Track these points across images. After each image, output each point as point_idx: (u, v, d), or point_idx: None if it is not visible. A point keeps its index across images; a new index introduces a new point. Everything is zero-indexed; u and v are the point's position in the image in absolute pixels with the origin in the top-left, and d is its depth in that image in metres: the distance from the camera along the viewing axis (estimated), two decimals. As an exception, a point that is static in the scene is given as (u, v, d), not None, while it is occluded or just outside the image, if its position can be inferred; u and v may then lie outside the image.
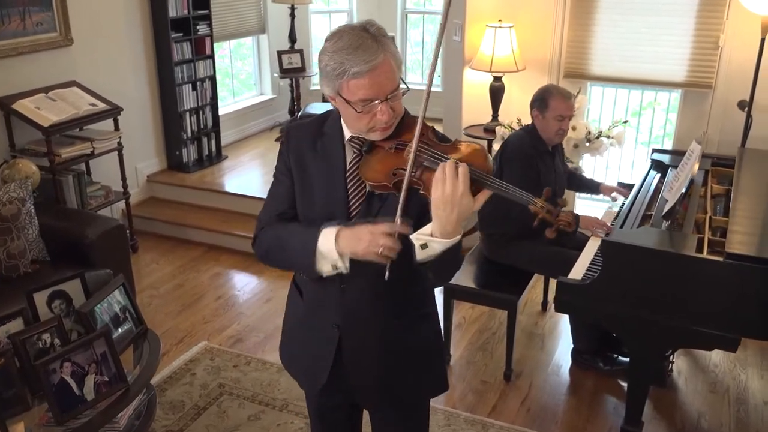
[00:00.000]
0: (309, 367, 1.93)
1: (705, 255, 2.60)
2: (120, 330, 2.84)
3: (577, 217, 1.62)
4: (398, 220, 1.57)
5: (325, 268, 1.67)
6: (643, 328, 2.71)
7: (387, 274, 1.58)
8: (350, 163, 1.71)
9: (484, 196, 1.54)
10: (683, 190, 2.80)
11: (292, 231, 1.74)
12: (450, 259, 1.58)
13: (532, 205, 1.57)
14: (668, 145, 4.84)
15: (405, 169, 1.59)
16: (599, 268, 2.93)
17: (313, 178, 1.75)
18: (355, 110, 1.58)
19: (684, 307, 2.61)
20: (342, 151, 1.72)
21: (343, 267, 1.65)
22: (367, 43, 1.54)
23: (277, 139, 6.52)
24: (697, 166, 2.84)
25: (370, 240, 1.57)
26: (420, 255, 1.58)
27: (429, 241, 1.55)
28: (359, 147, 1.69)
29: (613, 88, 4.86)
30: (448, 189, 1.48)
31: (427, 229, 1.56)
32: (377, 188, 1.65)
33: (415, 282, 1.76)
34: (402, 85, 1.62)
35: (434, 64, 1.64)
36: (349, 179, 1.71)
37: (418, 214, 1.60)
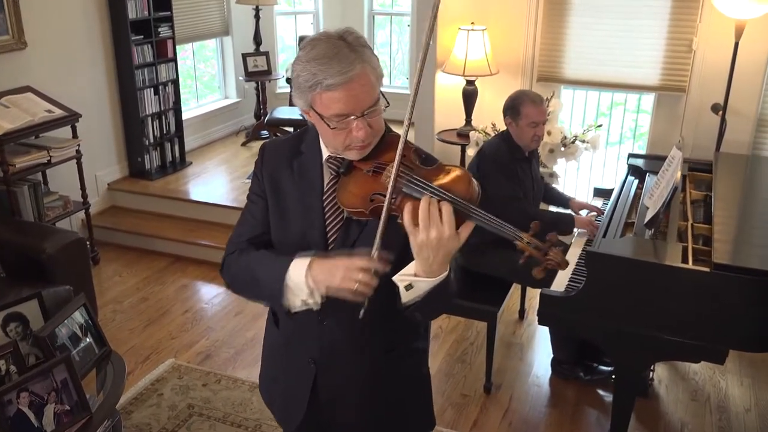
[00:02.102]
0: (284, 403, 1.79)
1: (691, 266, 2.54)
2: (81, 353, 2.68)
3: (564, 249, 1.48)
4: (375, 253, 1.43)
5: (294, 302, 1.53)
6: (629, 341, 2.63)
7: (362, 312, 1.44)
8: (327, 186, 1.58)
9: (467, 229, 1.39)
10: (667, 198, 2.74)
11: (261, 259, 1.59)
12: (439, 297, 1.44)
13: (518, 241, 1.41)
14: (637, 147, 4.86)
15: (383, 195, 1.44)
16: (582, 278, 2.86)
17: (288, 201, 1.61)
18: (329, 126, 1.45)
19: (671, 320, 2.54)
20: (320, 172, 1.58)
21: (314, 303, 1.51)
22: (343, 52, 1.40)
23: (243, 144, 6.35)
24: (679, 174, 2.79)
25: (344, 275, 1.42)
26: (406, 297, 1.44)
27: (414, 281, 1.41)
28: (336, 168, 1.56)
29: (582, 90, 4.81)
30: (433, 234, 1.34)
31: (410, 268, 1.42)
32: (354, 214, 1.51)
33: (403, 316, 1.60)
34: (382, 100, 1.48)
35: (416, 90, 1.49)
36: (326, 203, 1.57)
37: (399, 245, 1.43)
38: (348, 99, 1.40)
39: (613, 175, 5.12)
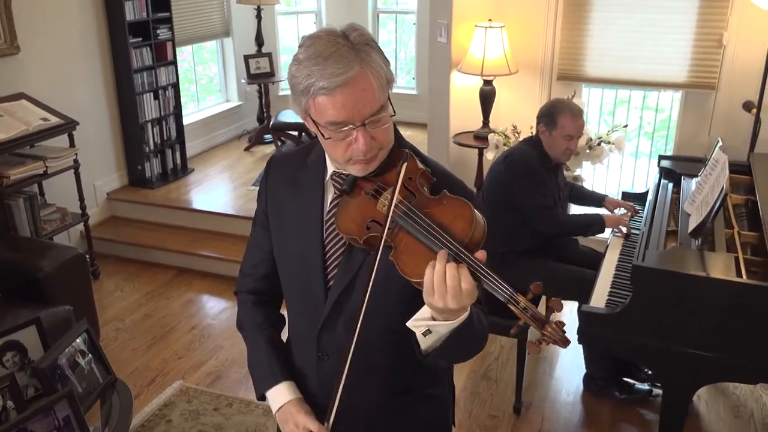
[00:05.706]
0: None
1: (746, 279, 2.34)
2: (84, 383, 2.46)
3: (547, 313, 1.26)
4: (327, 424, 1.36)
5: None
6: (678, 361, 2.43)
7: None
8: (330, 205, 1.40)
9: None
10: (714, 205, 2.53)
11: (258, 356, 1.57)
12: (464, 337, 1.24)
13: (512, 305, 1.16)
14: (655, 144, 4.71)
15: (380, 224, 1.25)
16: (623, 292, 2.67)
17: (287, 223, 1.45)
18: (323, 135, 1.28)
19: (727, 339, 2.34)
20: (321, 190, 1.41)
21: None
22: (341, 51, 1.21)
23: (246, 149, 6.14)
24: (726, 179, 2.59)
25: (289, 430, 1.46)
26: (425, 343, 1.26)
27: (431, 325, 1.23)
28: (340, 185, 1.37)
29: (598, 89, 4.60)
30: (451, 305, 1.16)
31: (425, 312, 1.23)
32: (350, 240, 1.33)
33: (419, 360, 1.38)
34: (390, 108, 1.28)
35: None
36: (327, 225, 1.40)
37: (397, 281, 1.24)
38: (343, 105, 1.22)
39: (631, 174, 4.92)
